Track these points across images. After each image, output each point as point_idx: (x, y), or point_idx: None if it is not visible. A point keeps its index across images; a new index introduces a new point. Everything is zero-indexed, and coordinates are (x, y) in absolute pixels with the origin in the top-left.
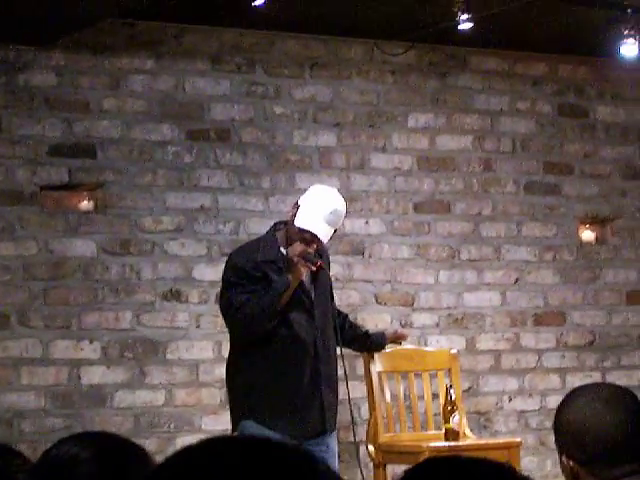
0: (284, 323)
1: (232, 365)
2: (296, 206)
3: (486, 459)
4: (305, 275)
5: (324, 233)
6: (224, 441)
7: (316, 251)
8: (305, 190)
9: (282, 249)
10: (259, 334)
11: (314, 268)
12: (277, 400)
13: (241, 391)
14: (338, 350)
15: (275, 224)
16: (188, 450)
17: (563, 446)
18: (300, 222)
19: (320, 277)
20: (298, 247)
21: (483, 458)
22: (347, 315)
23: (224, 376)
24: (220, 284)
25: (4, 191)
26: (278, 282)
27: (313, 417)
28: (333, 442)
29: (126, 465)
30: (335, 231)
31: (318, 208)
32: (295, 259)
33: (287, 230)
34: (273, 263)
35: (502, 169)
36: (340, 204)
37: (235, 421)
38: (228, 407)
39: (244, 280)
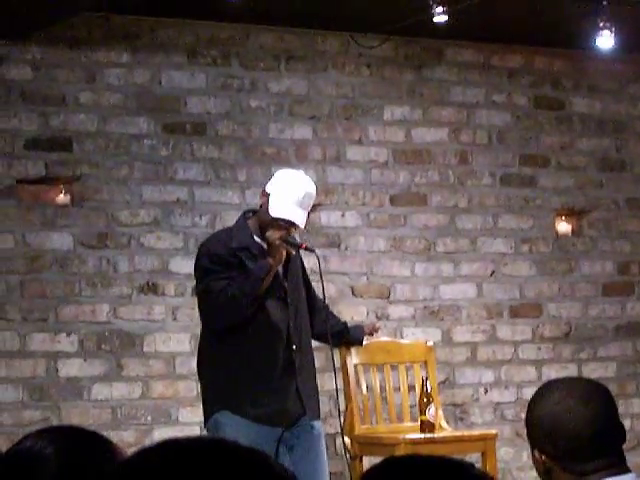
0: (259, 310)
1: (205, 356)
2: (265, 194)
3: (445, 457)
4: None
5: (300, 219)
6: (179, 444)
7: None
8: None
9: (255, 237)
10: (238, 320)
11: (293, 252)
12: (252, 389)
13: (215, 381)
14: (316, 342)
15: (244, 212)
16: (143, 454)
17: (535, 441)
18: (274, 211)
19: (292, 266)
20: (277, 231)
21: (443, 457)
22: (327, 306)
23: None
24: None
25: None
26: (258, 266)
27: (290, 404)
28: (317, 423)
29: (92, 460)
30: (309, 215)
31: (289, 194)
32: (277, 242)
33: (259, 219)
34: (247, 250)
35: (478, 161)
36: (310, 186)
37: (209, 412)
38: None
39: (220, 267)
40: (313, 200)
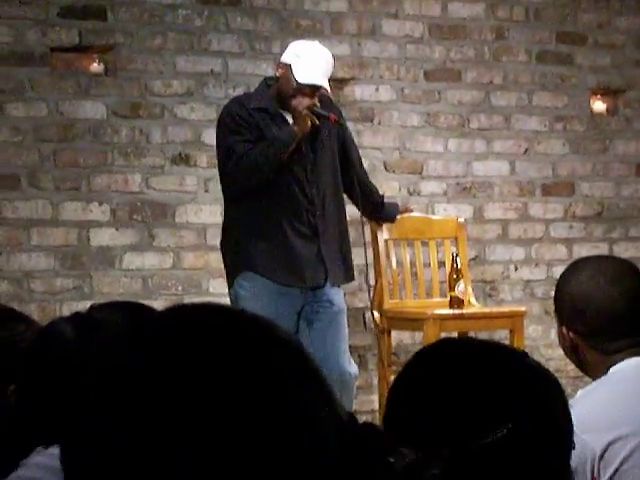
0: (281, 177)
1: (227, 223)
2: (283, 66)
3: (500, 344)
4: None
5: (326, 84)
6: (184, 310)
7: (324, 106)
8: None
9: (275, 103)
10: (258, 184)
11: (317, 122)
12: (272, 251)
13: (236, 245)
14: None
15: (265, 78)
16: (167, 314)
17: (563, 318)
18: (301, 77)
19: (322, 137)
20: (305, 100)
21: (497, 342)
22: (368, 177)
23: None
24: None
25: (14, 52)
26: (284, 133)
27: (311, 269)
28: (338, 298)
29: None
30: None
31: (312, 62)
32: (304, 111)
33: (279, 90)
34: (266, 112)
35: (514, 38)
36: (328, 53)
37: (232, 276)
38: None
39: (241, 128)
40: (332, 68)
